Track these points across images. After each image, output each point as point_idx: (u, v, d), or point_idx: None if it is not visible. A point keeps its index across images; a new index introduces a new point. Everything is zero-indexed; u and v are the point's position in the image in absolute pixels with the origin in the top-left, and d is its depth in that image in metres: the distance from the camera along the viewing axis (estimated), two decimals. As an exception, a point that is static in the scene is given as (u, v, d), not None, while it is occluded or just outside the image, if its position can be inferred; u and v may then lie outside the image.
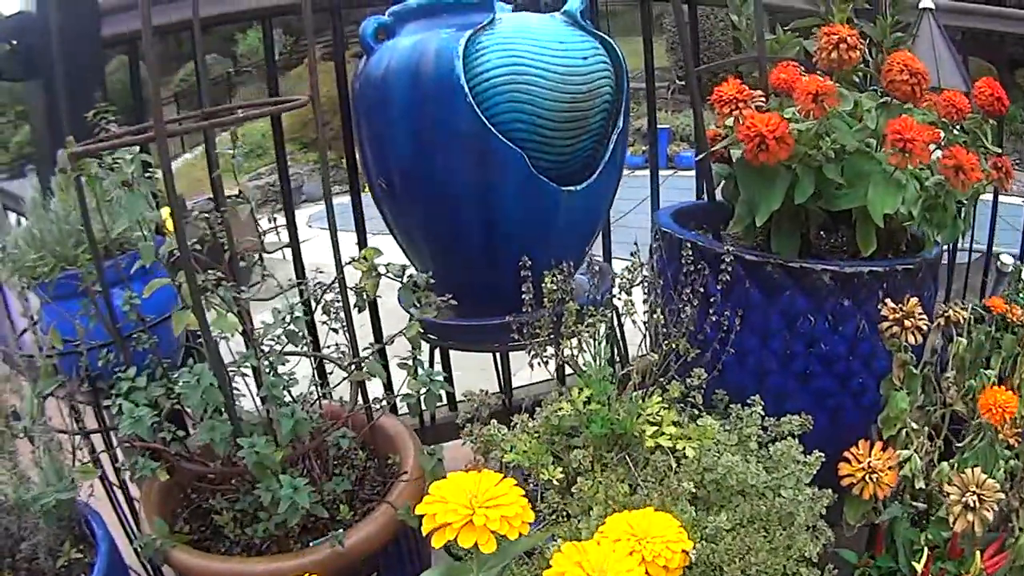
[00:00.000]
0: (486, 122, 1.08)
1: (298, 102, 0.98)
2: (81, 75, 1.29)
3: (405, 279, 0.97)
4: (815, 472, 1.06)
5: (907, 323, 1.15)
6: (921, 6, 1.67)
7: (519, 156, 1.09)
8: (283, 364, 0.97)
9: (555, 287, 1.09)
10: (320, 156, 1.05)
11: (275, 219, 7.83)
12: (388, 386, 1.25)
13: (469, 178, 1.11)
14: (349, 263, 1.00)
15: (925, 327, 1.16)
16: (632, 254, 1.18)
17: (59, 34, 1.32)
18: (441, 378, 0.99)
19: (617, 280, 1.14)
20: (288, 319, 0.93)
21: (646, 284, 1.15)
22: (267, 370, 0.97)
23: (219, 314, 0.95)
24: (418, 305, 0.99)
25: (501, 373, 1.44)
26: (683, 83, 10.20)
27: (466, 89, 1.06)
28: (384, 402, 1.13)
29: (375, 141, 1.18)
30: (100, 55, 1.33)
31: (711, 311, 1.19)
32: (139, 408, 0.90)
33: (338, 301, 1.14)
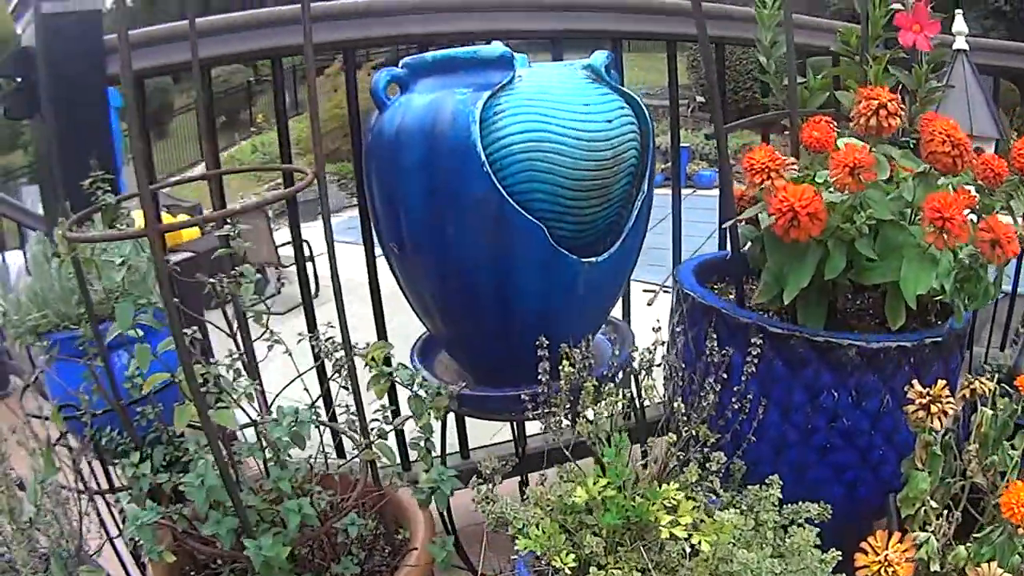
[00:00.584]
0: (503, 191, 0.99)
1: (305, 181, 0.90)
2: (80, 122, 1.21)
3: (415, 386, 0.90)
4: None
5: (933, 408, 1.08)
6: (955, 47, 1.55)
7: (537, 228, 1.01)
8: (289, 455, 0.90)
9: (573, 368, 1.01)
10: (324, 221, 0.97)
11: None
12: (404, 457, 1.19)
13: (483, 248, 1.03)
14: (359, 349, 0.92)
15: (952, 411, 1.09)
16: (654, 329, 1.11)
17: (57, 72, 1.23)
18: (452, 474, 0.93)
19: (637, 356, 1.07)
20: (294, 421, 0.86)
21: (666, 364, 1.07)
22: (273, 462, 0.90)
23: (222, 404, 0.88)
24: (430, 409, 0.92)
25: (515, 427, 1.38)
26: (704, 101, 10.03)
27: (482, 156, 0.98)
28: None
29: (386, 202, 1.10)
30: (102, 100, 1.24)
31: (734, 387, 1.12)
32: (144, 512, 0.84)
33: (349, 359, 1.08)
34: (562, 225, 1.05)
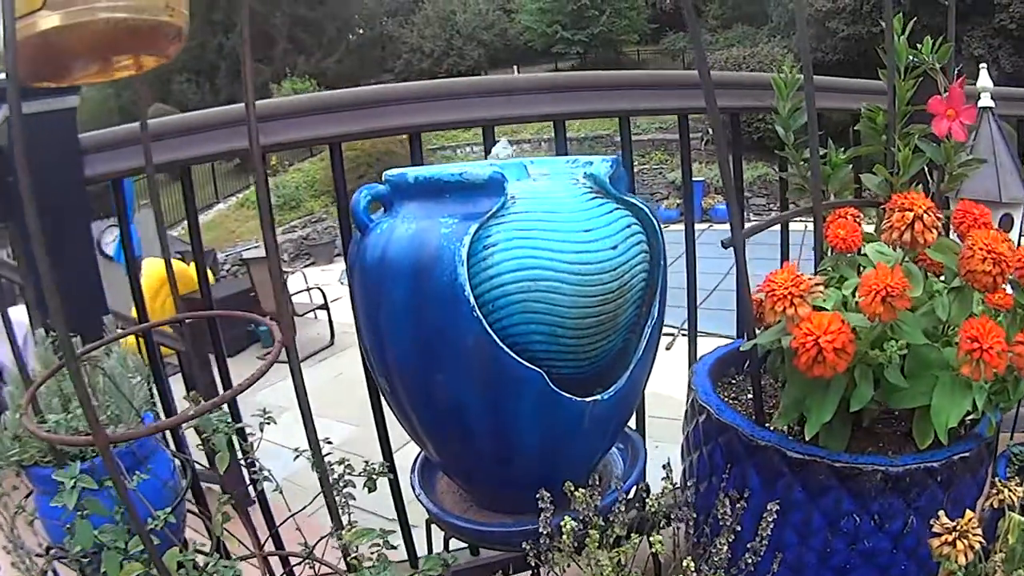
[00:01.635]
0: (495, 338, 0.85)
1: (272, 355, 0.78)
2: (56, 228, 1.08)
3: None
4: None
5: (960, 544, 0.95)
6: (980, 105, 1.38)
7: (535, 375, 0.87)
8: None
9: (576, 521, 0.89)
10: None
11: (306, 275, 7.28)
12: (411, 555, 1.07)
13: (477, 395, 0.89)
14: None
15: (979, 545, 0.96)
16: (663, 477, 0.98)
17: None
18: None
19: (650, 501, 0.94)
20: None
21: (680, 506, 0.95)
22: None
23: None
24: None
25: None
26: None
27: (472, 301, 0.84)
28: None
29: (372, 335, 0.95)
30: (80, 204, 1.11)
31: (750, 509, 0.99)
32: None
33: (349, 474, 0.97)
34: (563, 364, 0.91)
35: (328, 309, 6.22)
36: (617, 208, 0.95)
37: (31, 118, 1.12)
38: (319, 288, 6.47)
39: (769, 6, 17.17)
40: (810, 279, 0.95)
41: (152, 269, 6.38)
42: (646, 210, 0.98)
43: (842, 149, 1.37)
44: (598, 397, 0.93)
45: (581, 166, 1.04)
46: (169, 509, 0.82)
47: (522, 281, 0.86)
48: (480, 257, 0.86)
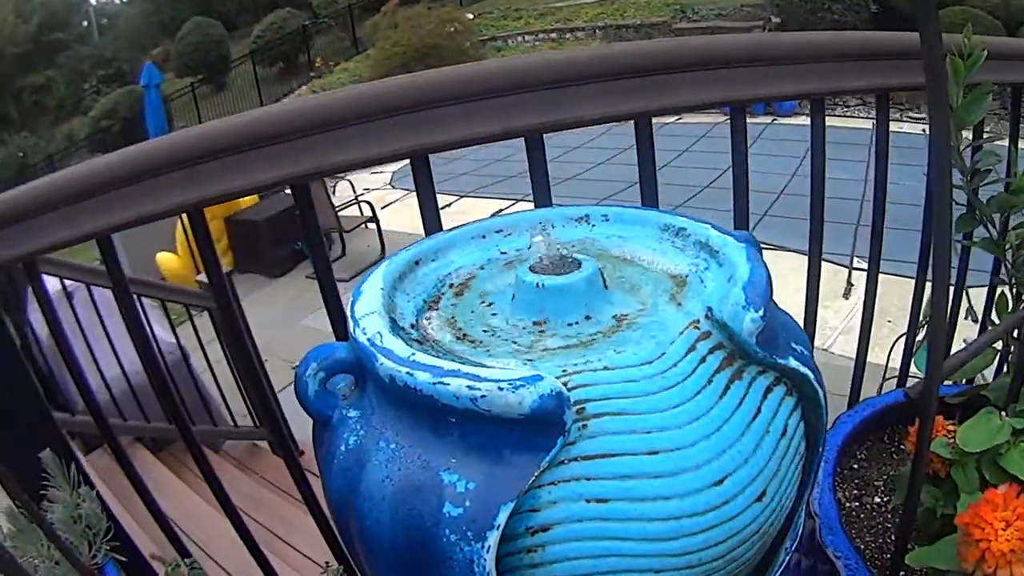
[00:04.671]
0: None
1: None
2: None
3: None
4: None
5: None
6: None
7: None
8: None
9: None
10: None
11: (354, 183, 6.55)
12: None
13: None
14: None
15: None
16: None
17: None
18: None
19: None
20: None
21: None
22: None
23: None
24: None
25: None
26: (780, 20, 8.15)
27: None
28: None
29: (347, 547, 0.58)
30: None
31: None
32: None
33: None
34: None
35: (377, 221, 5.82)
36: (769, 388, 0.50)
37: None
38: (367, 202, 6.07)
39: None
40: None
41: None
42: (811, 376, 0.52)
43: None
44: None
45: (701, 320, 0.50)
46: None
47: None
48: (523, 546, 0.44)
